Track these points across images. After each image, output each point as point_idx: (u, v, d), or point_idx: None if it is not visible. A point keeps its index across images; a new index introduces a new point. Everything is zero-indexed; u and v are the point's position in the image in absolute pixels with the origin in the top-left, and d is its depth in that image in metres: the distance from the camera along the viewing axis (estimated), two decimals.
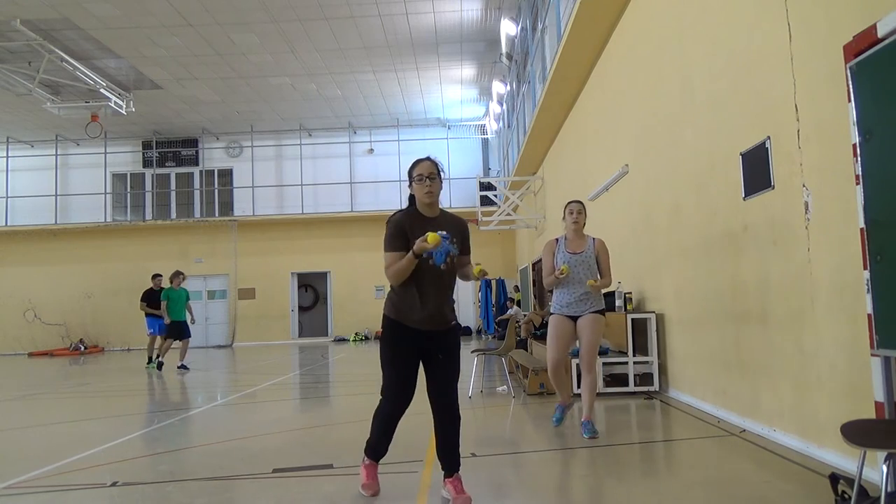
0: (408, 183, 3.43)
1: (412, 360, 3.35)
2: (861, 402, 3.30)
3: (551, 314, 5.06)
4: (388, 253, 3.30)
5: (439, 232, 3.18)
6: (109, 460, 4.63)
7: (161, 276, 12.82)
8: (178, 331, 11.85)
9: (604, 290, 5.15)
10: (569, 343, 5.04)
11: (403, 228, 3.28)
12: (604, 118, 8.97)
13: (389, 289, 3.42)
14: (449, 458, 3.34)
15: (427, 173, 3.30)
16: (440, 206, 3.43)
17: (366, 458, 3.55)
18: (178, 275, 12.02)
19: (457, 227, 3.40)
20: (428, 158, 3.40)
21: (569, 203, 5.09)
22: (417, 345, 3.35)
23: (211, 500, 3.63)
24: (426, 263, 3.25)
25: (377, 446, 3.51)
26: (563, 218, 5.16)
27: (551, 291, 5.10)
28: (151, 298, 12.53)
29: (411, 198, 3.43)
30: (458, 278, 3.49)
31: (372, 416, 3.50)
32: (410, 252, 3.17)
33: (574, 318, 4.96)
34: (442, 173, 3.39)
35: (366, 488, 3.46)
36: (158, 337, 12.43)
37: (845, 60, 3.01)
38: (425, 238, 3.11)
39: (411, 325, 3.32)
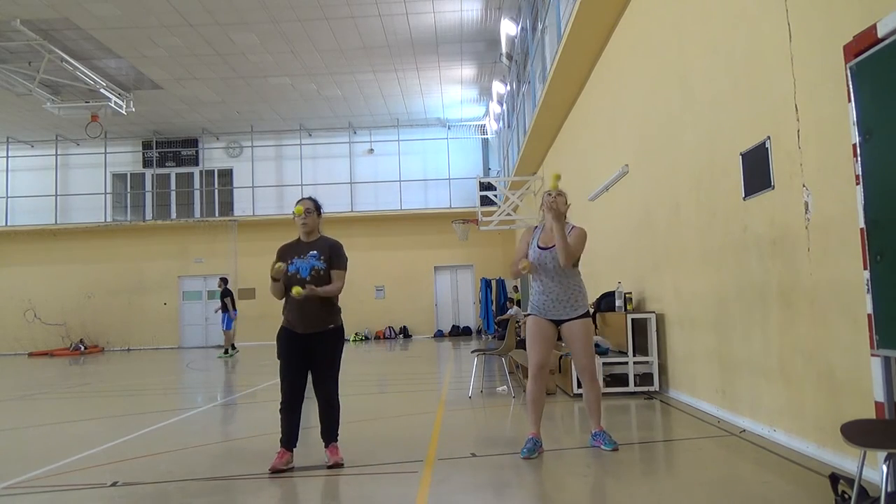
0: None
1: (295, 359, 4.14)
2: (861, 401, 3.30)
3: (528, 314, 4.63)
4: None
5: (309, 254, 4.21)
6: (109, 460, 4.64)
7: None
8: None
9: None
10: (552, 345, 4.63)
11: (279, 253, 4.31)
12: (604, 118, 8.96)
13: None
14: (326, 432, 4.22)
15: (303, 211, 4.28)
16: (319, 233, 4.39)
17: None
18: None
19: (327, 248, 4.27)
20: (309, 198, 4.43)
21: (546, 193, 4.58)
22: (301, 345, 4.14)
23: (211, 500, 3.63)
24: (295, 278, 4.13)
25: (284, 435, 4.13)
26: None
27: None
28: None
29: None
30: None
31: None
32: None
33: (555, 322, 4.51)
34: (320, 209, 4.41)
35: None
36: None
37: (845, 60, 3.00)
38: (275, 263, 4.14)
39: (290, 328, 4.18)
